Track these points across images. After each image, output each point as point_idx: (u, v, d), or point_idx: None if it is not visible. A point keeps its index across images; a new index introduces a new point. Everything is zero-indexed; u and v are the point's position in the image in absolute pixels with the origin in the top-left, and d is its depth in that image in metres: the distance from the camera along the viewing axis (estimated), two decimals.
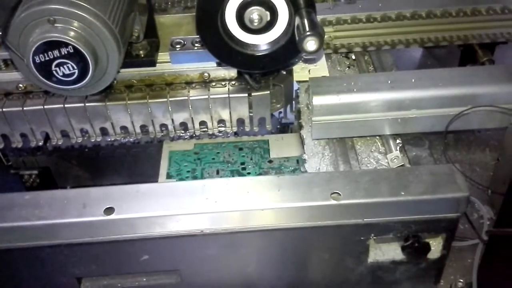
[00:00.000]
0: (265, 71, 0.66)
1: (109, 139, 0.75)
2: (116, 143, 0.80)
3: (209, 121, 0.71)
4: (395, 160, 0.68)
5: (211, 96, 0.68)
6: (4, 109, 0.70)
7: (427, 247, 0.64)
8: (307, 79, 0.74)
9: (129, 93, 0.69)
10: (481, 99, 0.69)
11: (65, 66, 0.53)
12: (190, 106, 0.69)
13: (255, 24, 0.59)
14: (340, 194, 0.60)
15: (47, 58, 0.52)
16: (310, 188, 0.61)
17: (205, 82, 0.69)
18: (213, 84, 0.69)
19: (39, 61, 0.53)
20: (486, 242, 0.69)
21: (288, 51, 0.61)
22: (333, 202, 0.59)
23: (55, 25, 0.51)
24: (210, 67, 0.69)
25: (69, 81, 0.56)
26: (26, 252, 0.59)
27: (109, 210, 0.58)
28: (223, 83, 0.69)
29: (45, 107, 0.69)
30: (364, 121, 0.70)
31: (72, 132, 0.72)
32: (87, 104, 0.68)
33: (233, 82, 0.69)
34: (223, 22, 0.59)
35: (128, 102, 0.68)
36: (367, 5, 0.88)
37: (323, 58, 0.78)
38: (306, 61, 0.77)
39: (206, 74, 0.69)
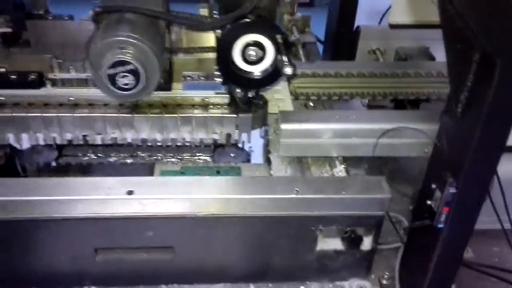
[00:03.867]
0: (258, 90, 0.90)
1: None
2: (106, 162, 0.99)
3: (205, 135, 0.93)
4: (339, 173, 0.90)
5: (208, 115, 0.91)
6: None
7: (360, 239, 0.78)
8: (277, 112, 0.97)
9: (150, 109, 0.90)
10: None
11: (125, 78, 0.75)
12: (193, 122, 0.91)
13: (252, 58, 0.82)
14: (298, 191, 0.75)
15: (115, 72, 0.75)
16: (276, 186, 0.78)
17: (205, 105, 0.92)
18: (211, 107, 0.92)
19: (110, 74, 0.75)
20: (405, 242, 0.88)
21: (273, 76, 0.84)
22: (294, 196, 0.74)
23: (122, 51, 0.75)
24: (209, 95, 0.92)
25: (128, 89, 0.77)
26: None
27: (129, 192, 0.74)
28: (218, 106, 0.92)
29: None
30: (318, 144, 0.92)
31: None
32: (120, 115, 0.89)
33: (225, 106, 0.92)
34: (231, 57, 0.82)
35: (149, 115, 0.89)
36: (323, 64, 1.16)
37: (289, 97, 1.03)
38: (277, 100, 1.01)
39: (206, 100, 0.92)
